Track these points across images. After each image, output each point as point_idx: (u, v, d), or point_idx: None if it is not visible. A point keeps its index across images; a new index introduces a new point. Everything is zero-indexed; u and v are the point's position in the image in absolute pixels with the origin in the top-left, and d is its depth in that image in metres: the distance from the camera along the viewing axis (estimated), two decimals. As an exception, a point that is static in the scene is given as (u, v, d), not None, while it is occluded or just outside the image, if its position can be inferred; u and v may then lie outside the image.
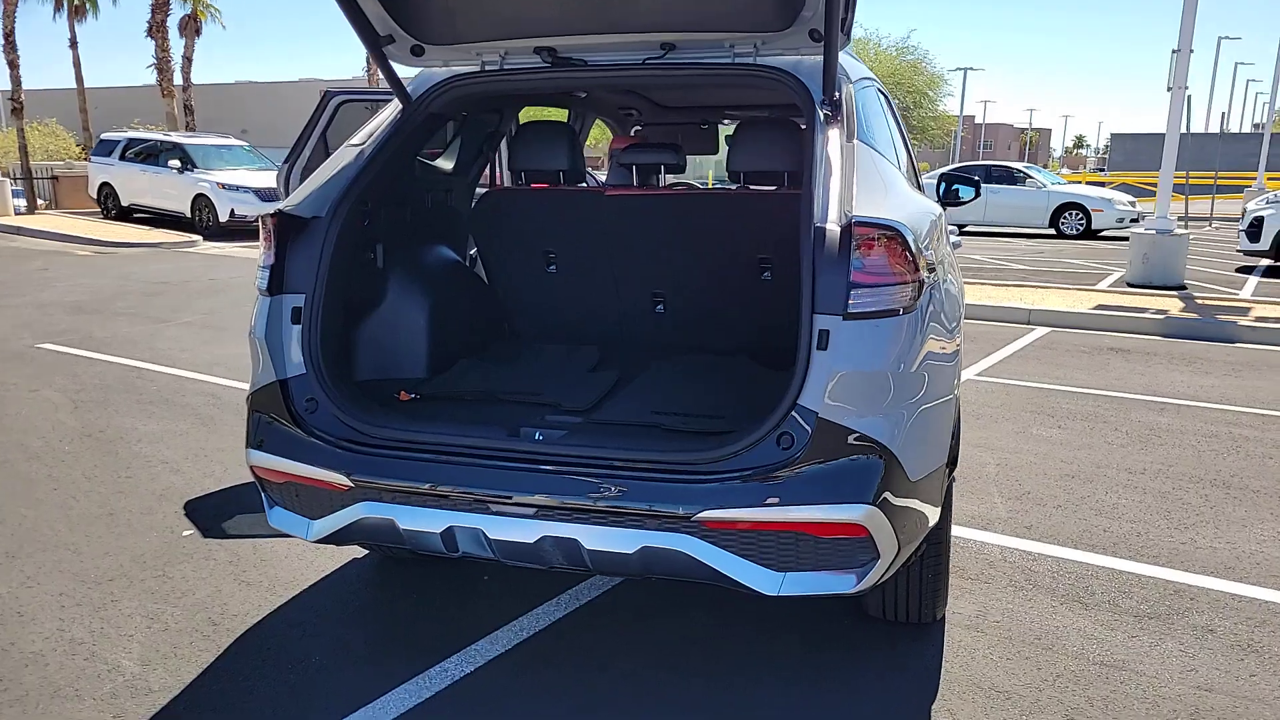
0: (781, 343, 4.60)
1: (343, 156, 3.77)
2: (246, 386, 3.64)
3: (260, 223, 3.57)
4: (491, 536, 3.13)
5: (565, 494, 3.06)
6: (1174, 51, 15.27)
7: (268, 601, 4.23)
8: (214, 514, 5.33)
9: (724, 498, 2.95)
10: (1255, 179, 37.10)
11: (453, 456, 3.22)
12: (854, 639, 3.91)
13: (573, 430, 3.34)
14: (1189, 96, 17.45)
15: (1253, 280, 16.32)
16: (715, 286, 4.53)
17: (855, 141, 3.28)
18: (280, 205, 3.56)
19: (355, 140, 3.84)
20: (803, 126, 3.63)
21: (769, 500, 2.92)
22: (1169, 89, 15.35)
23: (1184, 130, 16.00)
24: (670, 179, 5.48)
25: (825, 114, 3.39)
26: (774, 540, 2.98)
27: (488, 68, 3.90)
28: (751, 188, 4.31)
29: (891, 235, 2.96)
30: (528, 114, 5.54)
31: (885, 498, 2.94)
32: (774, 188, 4.28)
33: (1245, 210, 18.16)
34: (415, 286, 4.23)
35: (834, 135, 3.31)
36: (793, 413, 2.95)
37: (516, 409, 3.69)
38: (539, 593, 4.25)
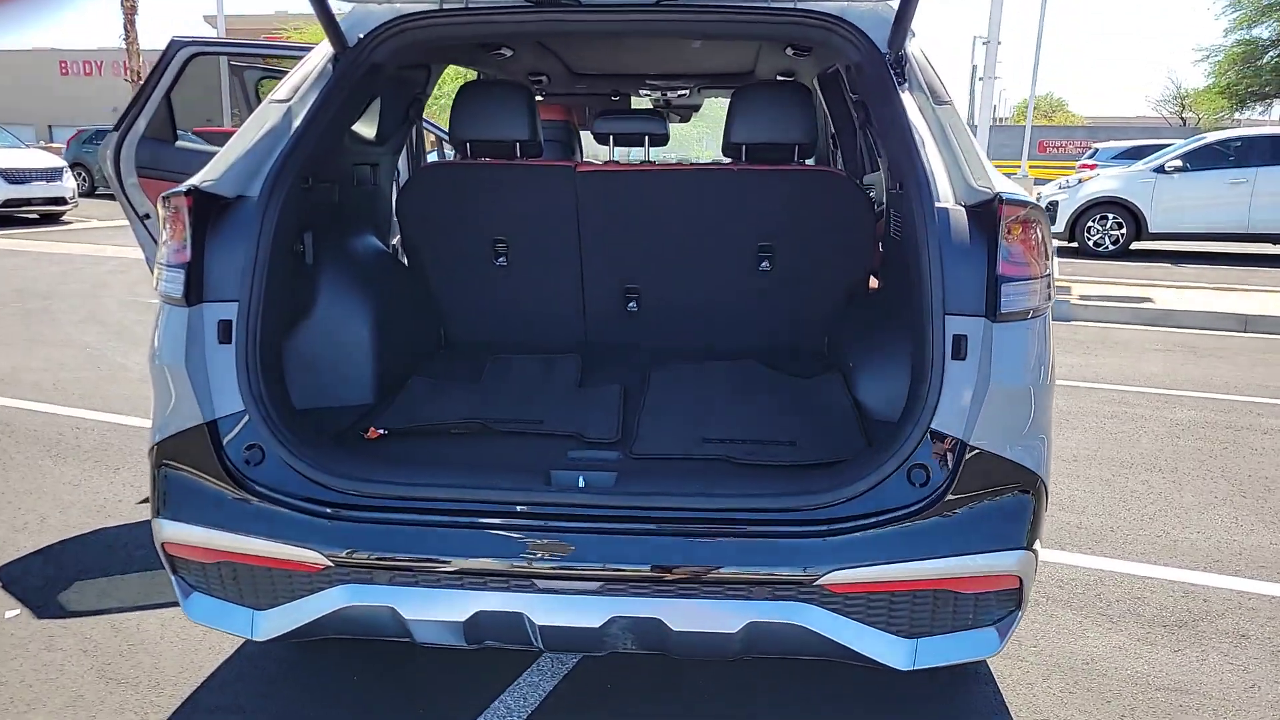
0: (791, 342, 4.05)
1: (267, 116, 2.80)
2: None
3: (161, 205, 2.56)
4: (540, 622, 2.35)
5: (645, 561, 2.34)
6: (984, 42, 16.02)
7: (153, 707, 3.19)
8: (44, 585, 4.11)
9: (851, 553, 2.33)
10: (1020, 167, 40.59)
11: (475, 517, 2.40)
12: (894, 681, 3.40)
13: (620, 471, 2.60)
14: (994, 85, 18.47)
15: (1054, 262, 17.52)
16: (705, 280, 3.88)
17: (947, 104, 2.71)
18: (195, 181, 2.57)
19: (280, 95, 2.87)
20: (804, 92, 3.04)
21: (908, 553, 2.32)
22: (980, 79, 16.10)
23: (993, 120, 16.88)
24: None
25: (896, 72, 2.80)
26: (908, 602, 2.40)
27: (448, 5, 3.03)
28: (751, 165, 3.68)
29: (1034, 217, 2.43)
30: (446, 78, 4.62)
31: (1036, 537, 2.43)
32: (782, 165, 3.68)
33: (1040, 195, 19.52)
34: (352, 288, 3.30)
35: (918, 99, 2.73)
36: (927, 439, 2.36)
37: (526, 444, 2.89)
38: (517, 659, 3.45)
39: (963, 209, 2.47)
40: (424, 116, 4.72)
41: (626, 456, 2.76)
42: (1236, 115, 41.18)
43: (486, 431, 2.94)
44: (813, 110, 3.59)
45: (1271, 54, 35.57)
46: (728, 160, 3.75)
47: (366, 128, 3.78)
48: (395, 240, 4.16)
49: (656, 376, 3.52)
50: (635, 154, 4.64)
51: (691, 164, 3.85)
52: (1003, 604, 2.46)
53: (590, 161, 5.03)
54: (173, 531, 2.53)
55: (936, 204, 2.46)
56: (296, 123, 2.76)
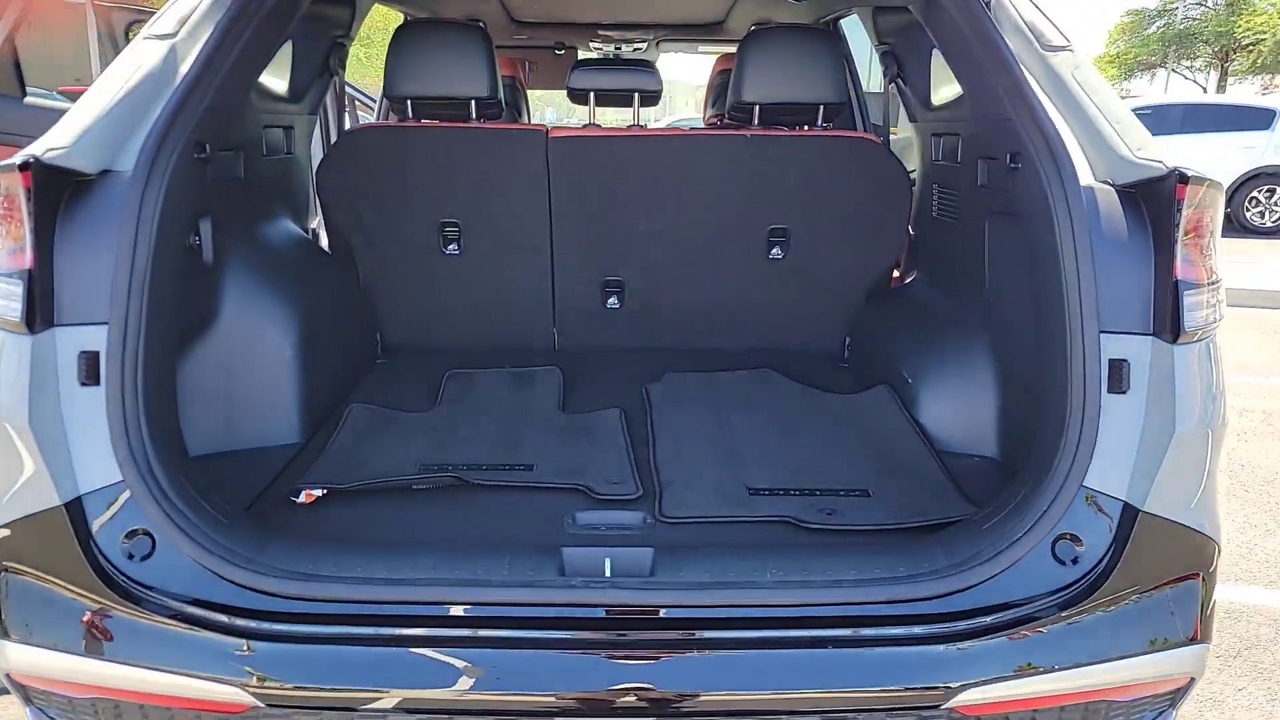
0: (804, 345, 3.42)
1: (142, 58, 1.98)
2: None
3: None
4: None
5: (712, 687, 1.68)
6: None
7: None
8: None
9: (988, 661, 1.72)
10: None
11: (469, 628, 1.72)
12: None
13: (653, 544, 1.92)
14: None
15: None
16: (702, 270, 3.21)
17: (1064, 50, 2.08)
18: (36, 150, 1.75)
19: (161, 29, 2.05)
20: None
21: (1060, 656, 1.74)
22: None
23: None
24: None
25: (993, 9, 2.15)
26: (1054, 717, 1.81)
27: None
28: (766, 130, 3.01)
29: (1215, 200, 1.84)
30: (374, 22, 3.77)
31: (1213, 619, 1.88)
32: (799, 129, 3.02)
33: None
34: (267, 290, 2.52)
35: (1015, 43, 2.09)
36: (1079, 501, 1.77)
37: (516, 504, 2.18)
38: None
39: (1111, 188, 1.85)
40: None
41: (655, 520, 2.09)
42: (1125, 84, 42.42)
43: (461, 486, 2.22)
44: (842, 62, 2.94)
45: (1158, 24, 36.58)
46: (716, 124, 3.07)
47: (276, 80, 2.96)
48: (314, 224, 3.36)
49: (658, 394, 2.84)
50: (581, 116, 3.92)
51: (691, 129, 3.15)
52: (1158, 706, 1.90)
53: (564, 125, 4.27)
54: (22, 658, 1.75)
55: (1081, 182, 1.84)
56: (185, 66, 1.95)
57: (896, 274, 3.40)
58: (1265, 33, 29.12)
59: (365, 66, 18.18)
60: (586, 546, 1.89)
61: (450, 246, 3.21)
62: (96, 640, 1.72)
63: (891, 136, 3.47)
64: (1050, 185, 1.86)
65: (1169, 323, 1.76)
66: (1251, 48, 30.37)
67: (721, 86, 4.47)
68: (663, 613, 1.73)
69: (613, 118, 4.90)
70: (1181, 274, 1.76)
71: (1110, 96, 1.97)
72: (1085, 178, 1.86)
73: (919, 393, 2.59)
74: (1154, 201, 1.80)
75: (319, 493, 2.12)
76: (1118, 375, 1.78)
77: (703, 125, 4.56)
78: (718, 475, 2.29)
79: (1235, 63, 32.42)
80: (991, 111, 2.15)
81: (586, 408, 2.78)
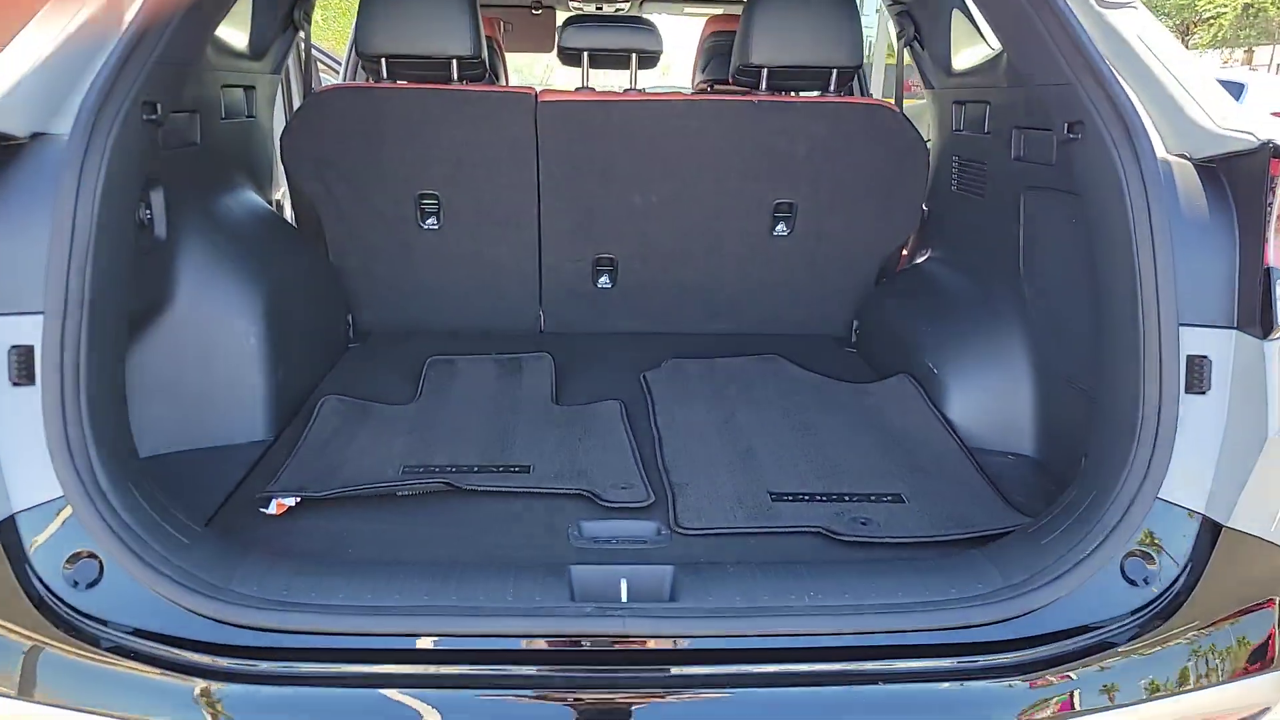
0: (808, 328, 3.21)
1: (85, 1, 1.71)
2: None
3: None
4: None
5: None
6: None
7: None
8: None
9: (1052, 697, 1.55)
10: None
11: (466, 666, 1.51)
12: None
13: (672, 560, 1.72)
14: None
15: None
16: (701, 247, 3.00)
17: (1128, 7, 1.87)
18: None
19: None
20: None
21: (1132, 690, 1.57)
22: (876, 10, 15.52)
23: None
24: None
25: None
26: None
27: None
28: (775, 96, 2.79)
29: None
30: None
31: None
32: (810, 94, 2.80)
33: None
34: (229, 269, 2.27)
35: (1082, 1, 1.88)
36: (1155, 513, 1.60)
37: (512, 512, 1.96)
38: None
39: (1188, 163, 1.66)
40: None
41: (671, 531, 1.87)
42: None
43: (450, 491, 1.99)
44: (858, 24, 2.71)
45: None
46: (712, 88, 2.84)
47: (235, 33, 2.66)
48: (278, 195, 3.07)
49: (659, 384, 2.62)
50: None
51: (693, 94, 2.90)
52: None
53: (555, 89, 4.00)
54: None
55: (1161, 155, 1.64)
56: (131, 12, 1.68)
57: (905, 253, 3.21)
58: (1226, 6, 29.29)
59: (321, 29, 17.53)
60: (597, 564, 1.68)
61: (428, 221, 2.94)
62: (34, 682, 1.48)
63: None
64: (1122, 158, 1.66)
65: (1257, 315, 1.57)
66: (1213, 21, 30.56)
67: (713, 50, 4.22)
68: (689, 643, 1.53)
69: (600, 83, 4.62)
70: (1274, 260, 1.57)
71: (1184, 60, 1.77)
72: (1159, 150, 1.67)
73: (945, 383, 2.39)
74: (1241, 178, 1.60)
75: (291, 502, 1.88)
76: (1197, 373, 1.60)
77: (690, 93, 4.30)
78: (734, 477, 2.08)
79: (1196, 36, 32.65)
80: (1040, 75, 1.93)
81: (582, 399, 2.55)
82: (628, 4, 4.77)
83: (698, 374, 2.73)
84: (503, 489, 2.00)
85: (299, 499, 1.89)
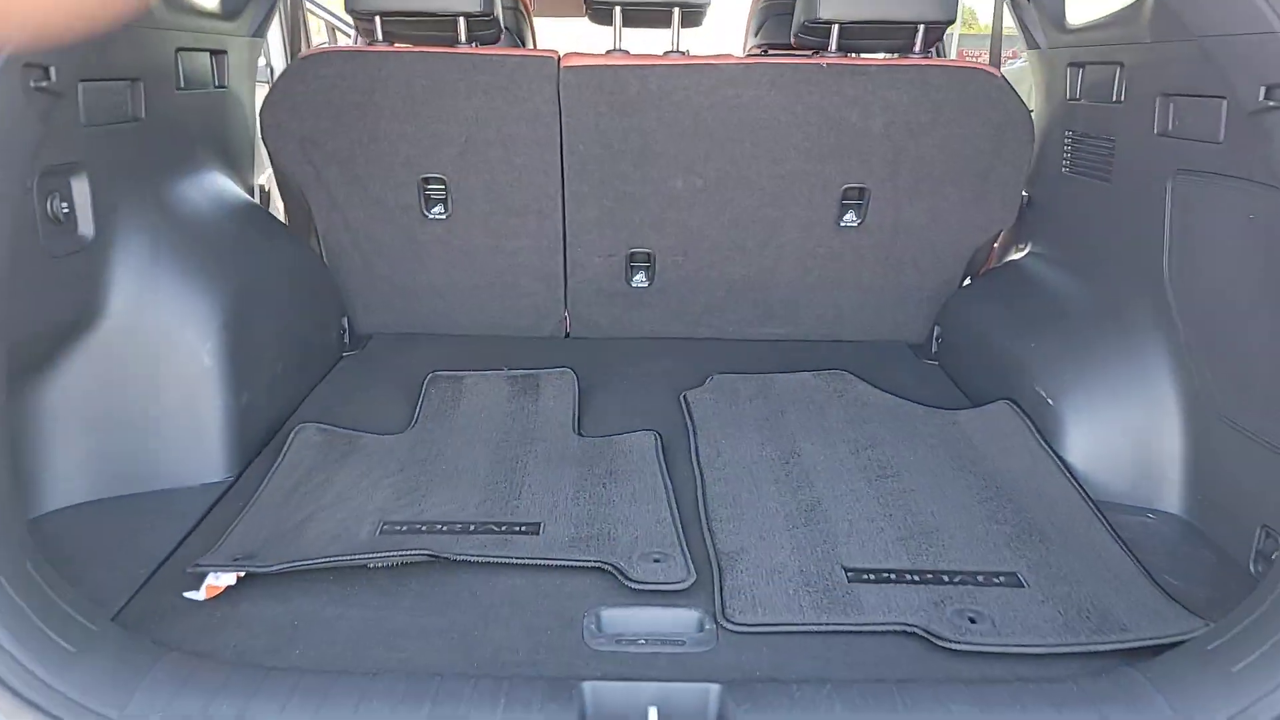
0: (887, 337, 2.71)
1: None
2: None
3: None
4: None
5: None
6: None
7: None
8: None
9: None
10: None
11: None
12: None
13: (723, 675, 1.28)
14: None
15: None
16: (755, 240, 2.54)
17: None
18: None
19: None
20: None
21: None
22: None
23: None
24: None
25: None
26: None
27: None
28: (848, 59, 2.31)
29: None
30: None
31: None
32: (887, 57, 2.33)
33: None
34: (180, 273, 1.86)
35: None
36: None
37: (512, 592, 1.53)
38: None
39: None
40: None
41: (718, 625, 1.43)
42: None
43: (436, 563, 1.57)
44: None
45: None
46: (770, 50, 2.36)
47: (202, -11, 2.25)
48: (262, 179, 2.66)
49: (702, 408, 2.17)
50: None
51: (745, 57, 2.42)
52: None
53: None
54: None
55: None
56: None
57: (994, 247, 2.71)
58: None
59: None
60: (619, 680, 1.25)
61: (435, 209, 2.52)
62: None
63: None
64: None
65: None
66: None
67: (768, 9, 3.72)
68: None
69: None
70: None
71: None
72: None
73: (1063, 416, 1.91)
74: None
75: (228, 581, 1.46)
76: None
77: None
78: (798, 544, 1.63)
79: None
80: (1218, 21, 1.44)
81: (610, 427, 2.12)
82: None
83: (749, 394, 2.28)
84: (503, 560, 1.57)
85: (240, 574, 1.48)
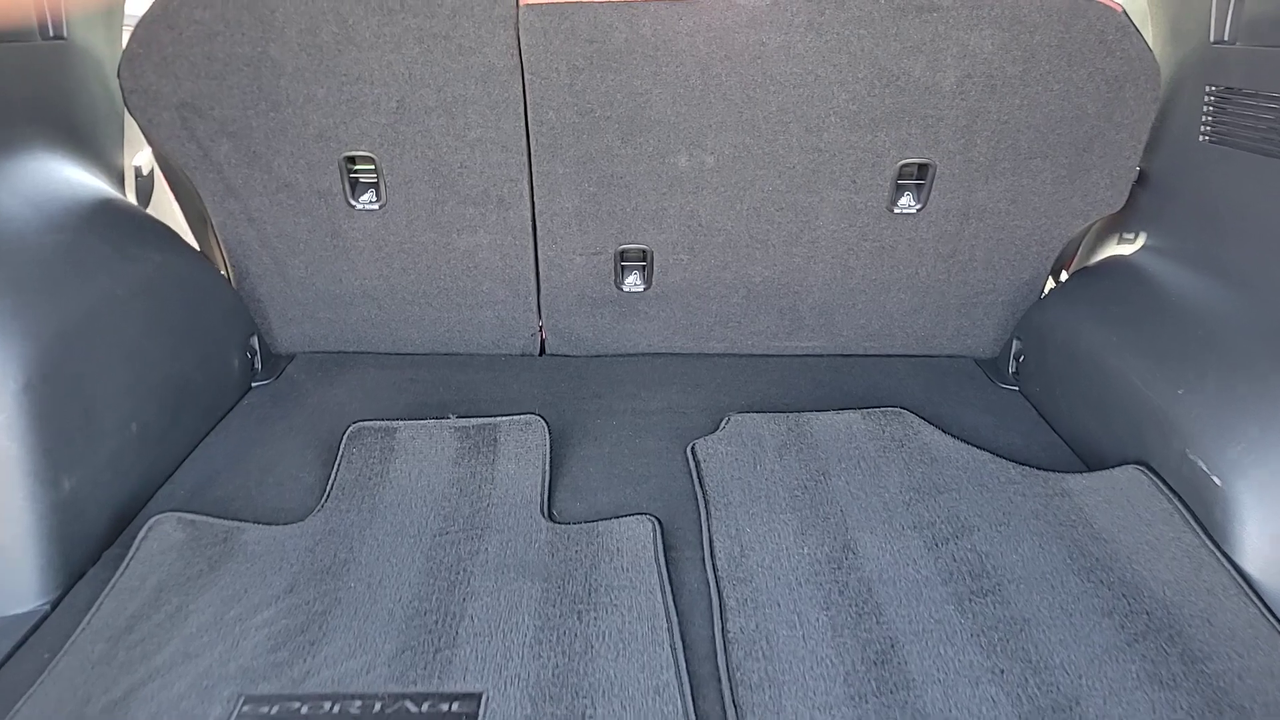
0: (954, 349, 2.14)
1: None
2: None
3: None
4: None
5: None
6: None
7: None
8: None
9: None
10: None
11: None
12: None
13: None
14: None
15: None
16: (780, 229, 1.96)
17: None
18: None
19: None
20: None
21: None
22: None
23: None
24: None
25: None
26: None
27: None
28: None
29: None
30: None
31: None
32: None
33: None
34: None
35: None
36: None
37: None
38: None
39: None
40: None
41: None
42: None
43: None
44: None
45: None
46: None
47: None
48: (140, 159, 2.06)
49: (715, 470, 1.61)
50: None
51: None
52: None
53: None
54: None
55: None
56: None
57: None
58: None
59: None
60: None
61: (364, 196, 1.93)
62: None
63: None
64: None
65: None
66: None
67: None
68: None
69: None
70: None
71: None
72: None
73: (1239, 508, 1.34)
74: None
75: None
76: None
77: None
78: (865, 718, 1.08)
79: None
80: None
81: (591, 505, 1.55)
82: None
83: (777, 444, 1.70)
84: None
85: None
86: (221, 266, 2.08)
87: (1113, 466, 1.57)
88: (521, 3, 1.67)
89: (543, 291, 2.09)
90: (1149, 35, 1.91)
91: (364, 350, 2.17)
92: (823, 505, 1.52)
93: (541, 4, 1.66)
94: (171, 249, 1.84)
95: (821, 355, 2.18)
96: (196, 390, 1.76)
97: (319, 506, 1.53)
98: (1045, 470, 1.61)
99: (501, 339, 2.17)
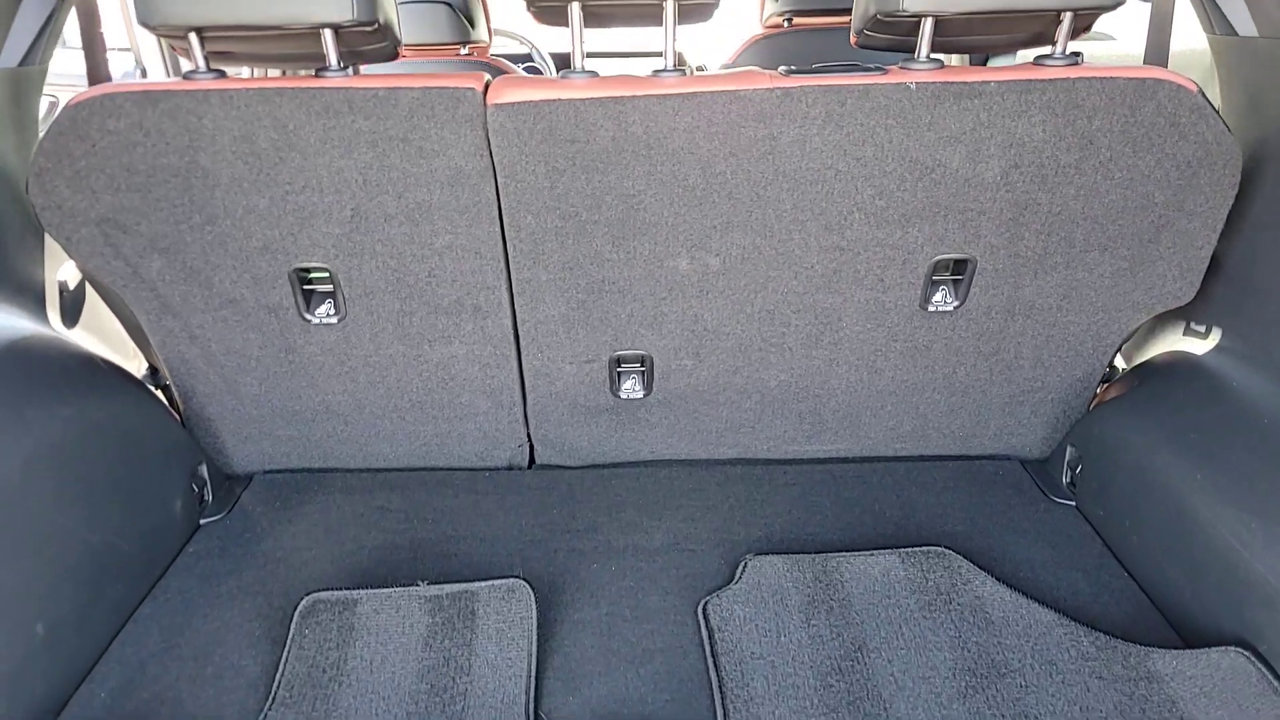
0: (996, 449, 1.83)
1: None
2: None
3: None
4: None
5: None
6: None
7: None
8: None
9: None
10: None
11: None
12: None
13: None
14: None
15: None
16: (800, 334, 1.72)
17: None
18: None
19: None
20: None
21: None
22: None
23: None
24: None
25: None
26: None
27: None
28: (932, 74, 1.45)
29: None
30: None
31: None
32: (1024, 66, 1.47)
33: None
34: None
35: None
36: None
37: None
38: None
39: None
40: None
41: None
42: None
43: None
44: None
45: None
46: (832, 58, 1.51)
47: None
48: (65, 275, 1.81)
49: (733, 636, 1.37)
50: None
51: (782, 77, 1.54)
52: None
53: (516, 72, 2.66)
54: None
55: None
56: None
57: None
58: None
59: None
60: None
61: (319, 309, 1.69)
62: None
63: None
64: None
65: None
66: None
67: None
68: None
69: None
70: None
71: None
72: None
73: None
74: None
75: None
76: None
77: (760, 30, 2.91)
78: None
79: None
80: None
81: (584, 705, 1.31)
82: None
83: (803, 599, 1.46)
84: None
85: None
86: (166, 381, 1.84)
87: (1206, 637, 1.32)
88: (489, 101, 1.42)
89: (529, 402, 1.85)
90: (1216, 97, 1.65)
91: (331, 467, 1.94)
92: (861, 699, 1.28)
93: (512, 103, 1.41)
94: (94, 388, 1.59)
95: (847, 460, 1.93)
96: (125, 557, 1.53)
97: (262, 713, 1.29)
98: (1124, 640, 1.36)
99: (486, 451, 1.93)
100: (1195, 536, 1.41)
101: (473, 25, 2.81)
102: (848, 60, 1.48)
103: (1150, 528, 1.53)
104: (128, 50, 2.43)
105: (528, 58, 3.63)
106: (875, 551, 1.57)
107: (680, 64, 1.50)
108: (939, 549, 1.57)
